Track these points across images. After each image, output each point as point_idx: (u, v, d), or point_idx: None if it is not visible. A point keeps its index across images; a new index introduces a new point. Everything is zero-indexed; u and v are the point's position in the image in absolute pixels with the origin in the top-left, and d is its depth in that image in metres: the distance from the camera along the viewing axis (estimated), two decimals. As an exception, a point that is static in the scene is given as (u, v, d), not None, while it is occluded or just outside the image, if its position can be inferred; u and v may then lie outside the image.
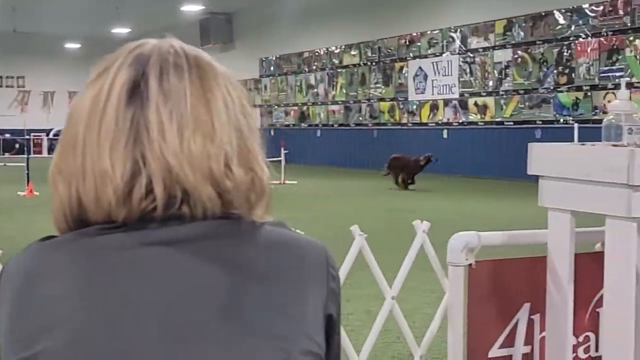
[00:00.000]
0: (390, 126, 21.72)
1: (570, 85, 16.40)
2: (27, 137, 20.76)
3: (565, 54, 16.48)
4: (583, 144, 2.18)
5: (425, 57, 20.33)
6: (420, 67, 20.59)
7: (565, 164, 2.13)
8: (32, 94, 34.65)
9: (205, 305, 0.93)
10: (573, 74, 16.32)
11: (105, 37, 28.29)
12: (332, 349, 1.03)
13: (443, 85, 19.82)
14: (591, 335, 2.37)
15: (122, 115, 0.96)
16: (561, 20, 16.55)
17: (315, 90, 24.73)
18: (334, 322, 1.02)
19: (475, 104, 18.85)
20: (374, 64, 22.23)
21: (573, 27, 16.27)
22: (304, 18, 24.12)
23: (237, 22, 28.30)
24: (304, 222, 9.59)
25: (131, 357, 0.90)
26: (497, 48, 18.15)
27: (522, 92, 17.53)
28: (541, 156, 2.21)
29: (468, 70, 19.02)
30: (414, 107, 20.85)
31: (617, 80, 14.47)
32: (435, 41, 20.01)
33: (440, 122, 19.97)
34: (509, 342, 2.32)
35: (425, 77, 20.43)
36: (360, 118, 22.86)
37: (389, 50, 21.62)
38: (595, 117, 14.95)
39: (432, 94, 20.20)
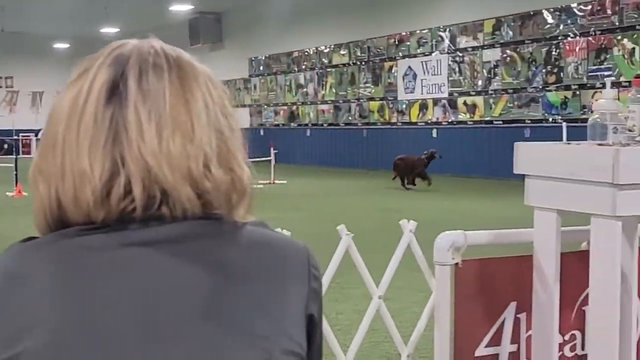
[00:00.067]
0: (379, 126, 21.74)
1: (558, 85, 16.46)
2: (16, 137, 20.71)
3: (553, 53, 16.53)
4: (569, 143, 2.19)
5: (415, 56, 20.36)
6: (409, 67, 20.62)
7: (550, 163, 2.14)
8: (20, 94, 34.53)
9: (186, 305, 0.93)
10: (561, 73, 16.38)
11: (94, 37, 28.17)
12: (313, 348, 1.03)
13: (432, 85, 19.86)
14: (577, 333, 2.38)
15: (101, 115, 0.96)
16: (550, 20, 16.61)
17: (305, 89, 24.73)
18: (315, 322, 1.03)
19: (465, 103, 18.89)
20: (363, 63, 22.25)
21: (561, 27, 16.33)
22: (294, 18, 24.12)
23: (227, 22, 28.27)
24: (294, 221, 9.59)
25: (110, 357, 0.90)
26: (486, 47, 18.19)
27: (511, 91, 17.58)
28: (527, 155, 2.21)
29: (457, 69, 19.06)
30: (404, 106, 20.87)
31: (605, 79, 14.51)
32: (424, 40, 20.04)
33: (429, 121, 20.00)
34: (496, 341, 2.32)
35: (415, 76, 20.46)
36: (350, 117, 22.87)
37: (379, 50, 21.64)
38: (584, 116, 14.97)
39: (422, 94, 20.23)
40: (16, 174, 14.18)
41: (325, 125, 23.90)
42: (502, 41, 17.76)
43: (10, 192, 13.91)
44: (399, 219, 2.60)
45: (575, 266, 2.25)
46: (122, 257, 0.94)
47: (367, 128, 22.16)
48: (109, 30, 28.29)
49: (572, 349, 2.39)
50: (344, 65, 22.99)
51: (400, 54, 20.85)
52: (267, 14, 25.16)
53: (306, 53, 24.47)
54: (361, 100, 22.39)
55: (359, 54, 22.39)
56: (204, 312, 0.93)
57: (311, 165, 23.26)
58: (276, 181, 16.40)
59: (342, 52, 23.02)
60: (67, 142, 0.97)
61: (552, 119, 16.46)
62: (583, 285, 2.17)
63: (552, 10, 16.52)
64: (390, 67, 21.28)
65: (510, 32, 17.54)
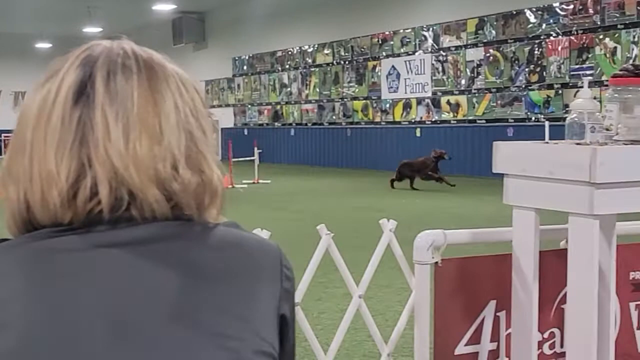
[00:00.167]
0: (363, 125, 21.76)
1: (541, 84, 16.54)
2: (-2, 137, 20.55)
3: (536, 52, 16.61)
4: (547, 143, 2.20)
5: (398, 55, 20.39)
6: (393, 66, 20.65)
7: (529, 162, 2.15)
8: (2, 94, 34.29)
9: (155, 307, 0.93)
10: (544, 73, 16.46)
11: (77, 36, 27.91)
12: (286, 349, 1.03)
13: (416, 84, 19.90)
14: (556, 331, 2.40)
15: (68, 117, 0.96)
16: (532, 19, 16.68)
17: (289, 89, 24.72)
18: (287, 322, 1.03)
19: (448, 102, 18.94)
20: (347, 62, 22.26)
21: (544, 26, 16.41)
22: (277, 17, 24.10)
23: (210, 21, 28.21)
24: (277, 221, 9.59)
25: (79, 359, 0.89)
26: (469, 47, 18.25)
27: (494, 90, 17.64)
28: (506, 155, 2.22)
29: (440, 68, 19.11)
30: (387, 105, 20.91)
31: (590, 77, 14.60)
32: (407, 40, 20.08)
33: (413, 120, 20.04)
34: (475, 339, 2.33)
35: (398, 75, 20.50)
36: (334, 117, 22.88)
37: (362, 49, 21.66)
38: (566, 115, 14.94)
39: (405, 93, 20.26)
40: (-2, 175, 14.07)
41: (309, 124, 23.90)
42: (485, 40, 17.82)
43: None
44: (382, 218, 2.61)
45: (554, 264, 2.27)
46: (93, 259, 0.94)
47: (351, 127, 22.18)
48: (92, 30, 28.15)
49: (551, 346, 2.40)
50: (327, 64, 22.99)
51: (384, 53, 20.87)
52: (251, 14, 25.13)
53: (290, 52, 24.46)
54: (345, 100, 22.41)
55: (342, 53, 22.40)
56: (172, 314, 0.93)
57: (295, 164, 23.26)
58: (260, 181, 16.38)
59: (325, 51, 23.03)
60: (35, 144, 0.97)
61: (535, 118, 16.53)
62: (562, 283, 2.18)
63: (534, 9, 16.59)
64: (374, 67, 21.30)
65: (493, 32, 17.60)
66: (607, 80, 14.31)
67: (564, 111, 15.59)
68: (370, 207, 11.40)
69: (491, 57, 17.66)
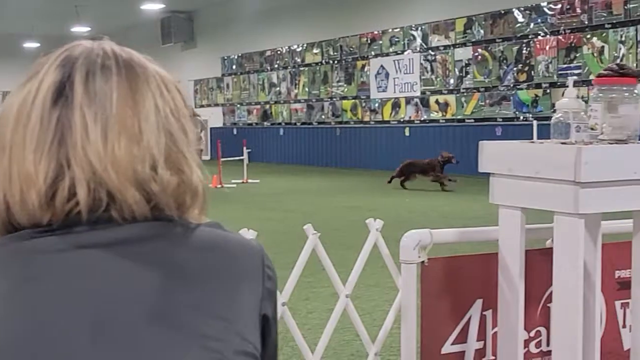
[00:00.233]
0: (352, 124, 21.76)
1: (529, 83, 16.59)
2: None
3: (524, 51, 16.66)
4: (533, 142, 2.21)
5: (387, 55, 20.41)
6: (382, 66, 20.66)
7: (514, 162, 2.15)
8: (-10, 94, 34.15)
9: (135, 308, 0.92)
10: (532, 72, 16.50)
11: (65, 36, 27.85)
12: (268, 348, 1.03)
13: (405, 84, 19.92)
14: (542, 330, 2.40)
15: (47, 117, 0.96)
16: (520, 19, 16.73)
17: (278, 88, 24.70)
18: (269, 322, 1.03)
19: (437, 101, 18.97)
20: (336, 62, 22.26)
21: (532, 25, 16.46)
22: (266, 16, 24.08)
23: (199, 21, 28.15)
24: (265, 220, 9.58)
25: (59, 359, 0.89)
26: (457, 46, 18.28)
27: (482, 89, 17.68)
28: (491, 154, 2.23)
29: (429, 68, 19.13)
30: (376, 105, 20.92)
31: (575, 77, 14.66)
32: (396, 39, 20.09)
33: (402, 120, 20.06)
34: (462, 338, 2.34)
35: (387, 75, 20.51)
36: (323, 116, 22.88)
37: (351, 49, 21.66)
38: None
39: (394, 92, 20.28)
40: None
41: (298, 124, 23.89)
42: (473, 40, 17.86)
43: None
44: (370, 218, 2.61)
45: (540, 263, 2.27)
46: (73, 260, 0.94)
47: (340, 127, 22.18)
48: (80, 29, 28.06)
49: (538, 345, 2.41)
50: (316, 64, 22.99)
51: (373, 52, 20.89)
52: (240, 13, 25.10)
53: (279, 52, 24.44)
54: (334, 99, 22.41)
55: (331, 52, 22.40)
56: (153, 315, 0.92)
57: (284, 164, 23.24)
58: (249, 180, 16.36)
59: (314, 51, 23.02)
60: (14, 144, 0.96)
61: (523, 117, 16.58)
62: (548, 282, 2.19)
63: (522, 9, 16.64)
64: (363, 66, 21.31)
65: (482, 31, 17.64)
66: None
67: (552, 110, 15.60)
68: (359, 207, 11.40)
69: (479, 57, 17.70)
